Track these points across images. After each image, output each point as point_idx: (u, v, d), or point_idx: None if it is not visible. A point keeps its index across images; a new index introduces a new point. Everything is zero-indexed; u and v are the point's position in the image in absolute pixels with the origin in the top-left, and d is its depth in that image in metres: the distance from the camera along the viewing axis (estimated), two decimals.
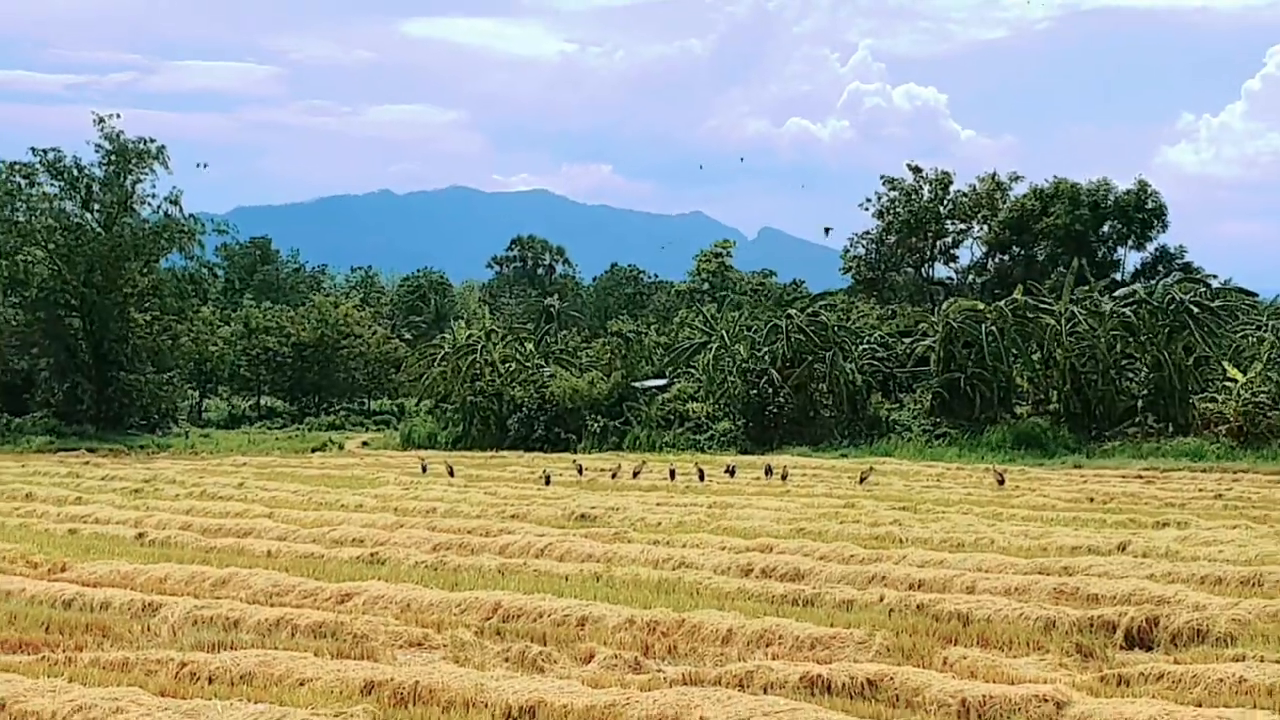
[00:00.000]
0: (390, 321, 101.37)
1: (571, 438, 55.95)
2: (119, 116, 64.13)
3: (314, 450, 57.36)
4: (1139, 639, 15.49)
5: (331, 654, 14.59)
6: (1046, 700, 11.89)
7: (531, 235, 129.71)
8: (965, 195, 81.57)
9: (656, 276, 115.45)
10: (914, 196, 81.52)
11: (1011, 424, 50.93)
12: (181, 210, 65.38)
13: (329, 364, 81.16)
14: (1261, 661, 13.64)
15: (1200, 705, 11.96)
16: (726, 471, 40.31)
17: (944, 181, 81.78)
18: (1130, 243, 78.43)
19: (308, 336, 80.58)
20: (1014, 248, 79.93)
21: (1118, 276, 73.64)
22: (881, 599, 17.67)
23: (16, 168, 62.96)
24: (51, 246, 62.19)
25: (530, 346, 63.81)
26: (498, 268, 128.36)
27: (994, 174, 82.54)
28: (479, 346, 60.87)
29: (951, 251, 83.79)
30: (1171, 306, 51.30)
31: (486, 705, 12.29)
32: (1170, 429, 48.74)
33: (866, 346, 57.88)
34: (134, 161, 63.88)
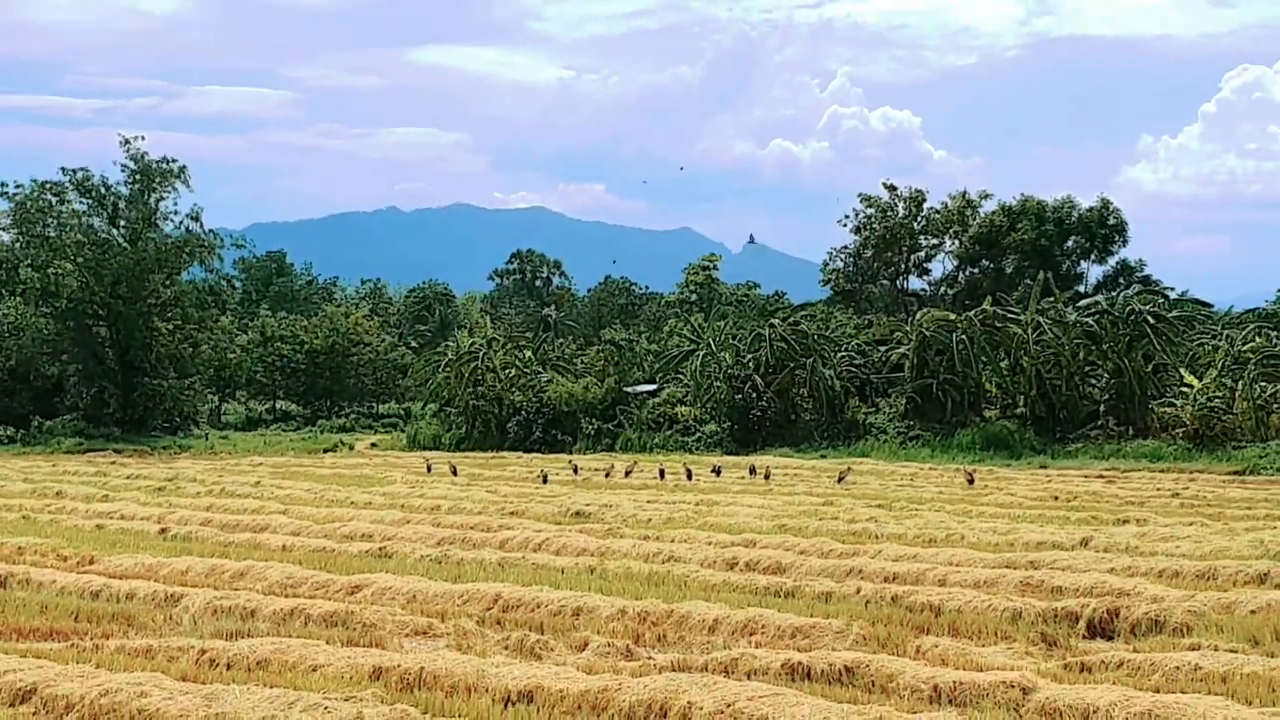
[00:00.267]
0: (397, 330, 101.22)
1: (567, 439, 55.94)
2: (143, 138, 64.12)
3: (326, 451, 57.27)
4: (1100, 629, 15.51)
5: (342, 642, 14.58)
6: (1013, 686, 11.90)
7: (530, 249, 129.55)
8: (938, 212, 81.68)
9: (648, 288, 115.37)
10: (889, 213, 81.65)
11: (981, 427, 50.94)
12: (202, 226, 65.42)
13: (340, 370, 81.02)
14: (1215, 650, 13.66)
15: (1158, 691, 11.96)
16: (713, 471, 40.29)
17: (918, 199, 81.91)
18: (1093, 257, 78.69)
19: (320, 344, 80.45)
20: (983, 261, 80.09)
21: (1081, 288, 73.89)
22: (858, 591, 17.65)
23: (48, 186, 62.88)
24: (80, 260, 62.10)
25: (529, 354, 63.76)
26: (498, 280, 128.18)
27: (965, 192, 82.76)
28: (481, 354, 60.81)
29: (925, 265, 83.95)
30: (1132, 317, 51.35)
31: (487, 689, 12.28)
32: (1130, 432, 48.76)
33: (845, 354, 57.88)
34: (158, 180, 63.82)
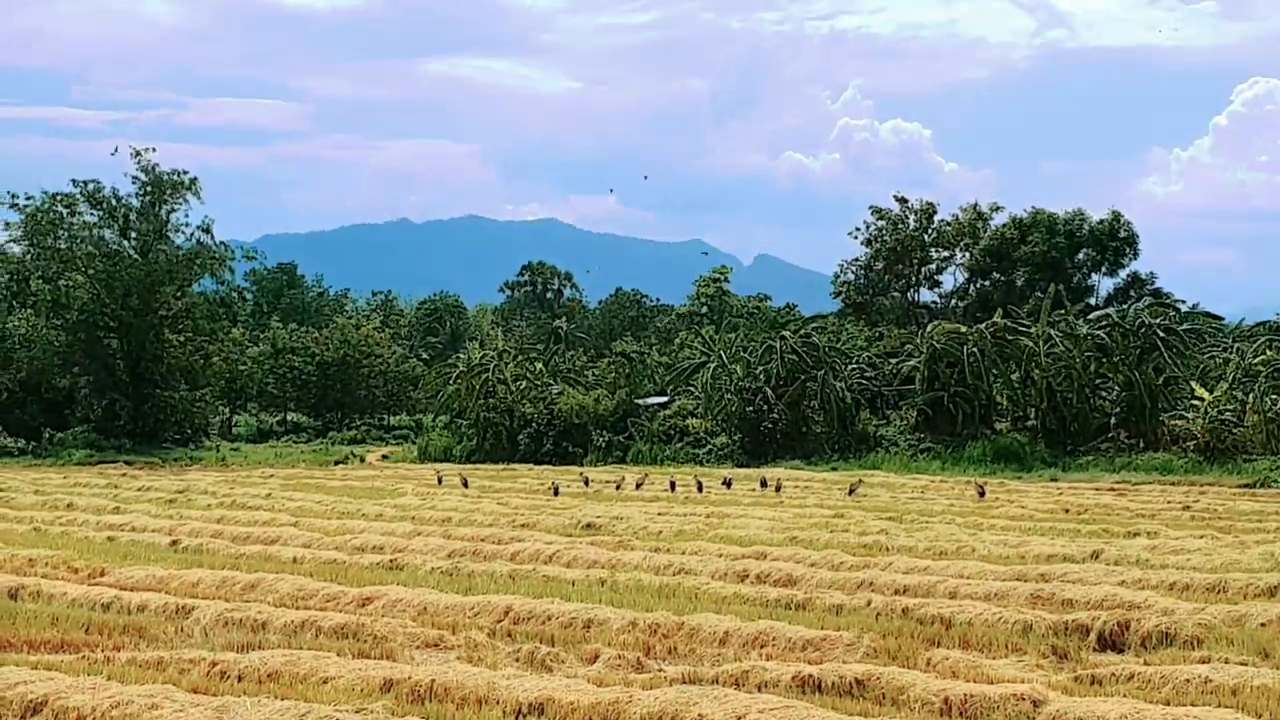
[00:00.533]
0: (408, 342, 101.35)
1: (578, 451, 55.99)
2: (154, 150, 64.52)
3: (337, 463, 57.38)
4: (1111, 642, 15.47)
5: (353, 654, 14.57)
6: (1024, 699, 11.88)
7: (541, 261, 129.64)
8: (948, 224, 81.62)
9: (659, 300, 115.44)
10: (900, 225, 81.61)
11: (992, 439, 50.91)
12: (213, 238, 65.73)
13: (351, 382, 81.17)
14: (1226, 663, 13.63)
15: (1168, 704, 11.95)
16: (724, 483, 40.24)
17: (928, 211, 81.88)
18: (1104, 269, 78.58)
19: (331, 356, 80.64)
20: (994, 274, 79.99)
21: (1092, 301, 73.78)
22: (869, 603, 17.64)
23: (59, 198, 63.16)
24: (91, 272, 62.32)
25: (540, 366, 63.83)
26: (509, 292, 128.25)
27: (975, 204, 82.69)
28: (492, 366, 60.89)
29: (935, 277, 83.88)
30: (1142, 330, 51.35)
31: (498, 702, 12.28)
32: (1141, 445, 48.72)
33: (855, 366, 57.89)
34: (168, 192, 64.10)
